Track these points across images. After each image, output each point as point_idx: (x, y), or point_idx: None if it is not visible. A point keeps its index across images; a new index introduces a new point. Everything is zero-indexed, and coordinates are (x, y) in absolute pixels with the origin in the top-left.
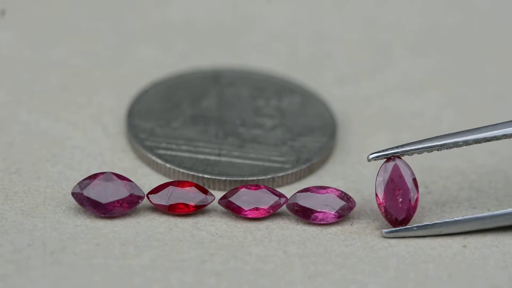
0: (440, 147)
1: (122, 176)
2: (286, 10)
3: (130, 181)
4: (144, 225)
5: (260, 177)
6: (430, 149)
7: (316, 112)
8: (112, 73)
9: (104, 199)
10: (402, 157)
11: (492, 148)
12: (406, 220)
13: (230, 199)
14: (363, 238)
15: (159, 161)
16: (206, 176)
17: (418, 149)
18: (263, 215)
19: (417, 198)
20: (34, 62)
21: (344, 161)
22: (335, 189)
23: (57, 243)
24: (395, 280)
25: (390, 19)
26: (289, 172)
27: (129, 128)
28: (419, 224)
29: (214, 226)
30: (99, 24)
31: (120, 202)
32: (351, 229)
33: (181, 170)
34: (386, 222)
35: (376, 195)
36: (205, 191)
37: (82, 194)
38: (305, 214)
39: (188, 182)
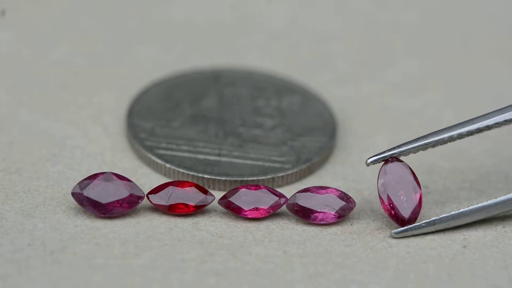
0: (435, 143)
1: (122, 176)
2: (286, 9)
3: (130, 181)
4: (144, 225)
5: (260, 177)
6: (425, 146)
7: (316, 112)
8: (112, 73)
9: (104, 199)
10: (400, 158)
11: (492, 148)
12: (413, 219)
13: (230, 199)
14: (363, 238)
15: (159, 161)
16: (206, 176)
17: (414, 148)
18: (263, 215)
19: (420, 195)
20: (34, 62)
21: (344, 161)
22: (335, 189)
23: (57, 243)
24: (395, 280)
25: (390, 18)
26: (289, 172)
27: (129, 128)
28: (427, 220)
29: (214, 226)
30: (99, 24)
31: (120, 202)
32: (351, 229)
33: (181, 170)
34: (387, 223)
35: (380, 198)
36: (205, 191)
37: (82, 194)
38: (305, 214)
39: (188, 182)
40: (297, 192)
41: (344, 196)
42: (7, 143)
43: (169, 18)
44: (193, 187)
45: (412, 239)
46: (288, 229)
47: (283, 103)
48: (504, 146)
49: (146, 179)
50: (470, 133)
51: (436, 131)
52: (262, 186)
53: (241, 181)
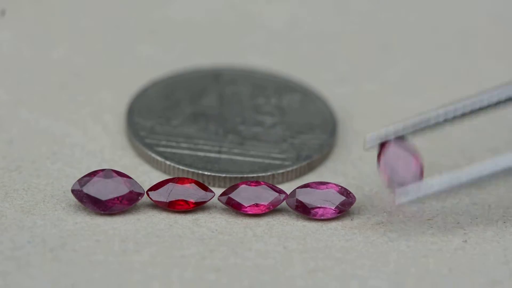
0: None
1: (122, 173)
2: (286, 8)
3: (130, 178)
4: (144, 222)
5: (260, 174)
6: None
7: (316, 109)
8: (112, 72)
9: (104, 196)
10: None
11: (492, 146)
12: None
13: (230, 195)
14: (363, 233)
15: (159, 158)
16: (206, 173)
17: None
18: (263, 211)
19: (421, 164)
20: (34, 61)
21: (344, 158)
22: (335, 184)
23: (57, 240)
24: (395, 275)
25: (390, 17)
26: (289, 169)
27: (129, 126)
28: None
29: (214, 223)
30: (99, 23)
31: (120, 199)
32: (351, 224)
33: (181, 167)
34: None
35: (381, 171)
36: (205, 188)
37: (82, 191)
38: (305, 210)
39: (188, 178)
40: (297, 188)
41: (344, 191)
42: (7, 141)
43: (169, 17)
44: (193, 184)
45: (412, 233)
46: (288, 225)
47: (283, 101)
48: (504, 144)
49: (146, 176)
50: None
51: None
52: (262, 182)
53: (241, 177)
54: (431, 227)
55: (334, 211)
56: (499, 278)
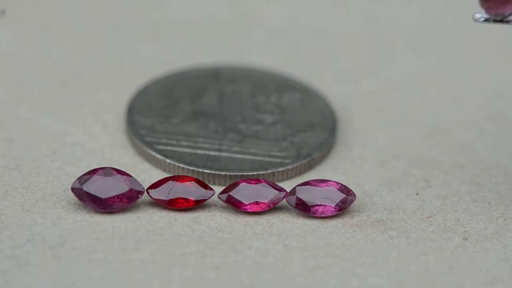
0: None
1: (122, 171)
2: (286, 7)
3: (130, 176)
4: (144, 220)
5: (260, 172)
6: None
7: (316, 108)
8: (112, 71)
9: (103, 194)
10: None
11: (492, 143)
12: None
13: (230, 193)
14: (363, 230)
15: (159, 156)
16: (206, 171)
17: None
18: (263, 209)
19: None
20: (34, 60)
21: (344, 156)
22: (335, 182)
23: (57, 239)
24: (396, 272)
25: (391, 16)
26: (289, 167)
27: (129, 124)
28: None
29: (214, 221)
30: (99, 22)
31: (120, 197)
32: (351, 222)
33: (181, 165)
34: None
35: None
36: (205, 186)
37: (81, 189)
38: (305, 208)
39: (188, 177)
40: (297, 186)
41: (344, 189)
42: (7, 140)
43: (169, 17)
44: (193, 182)
45: (413, 231)
46: (288, 222)
47: (283, 99)
48: (504, 141)
49: (146, 174)
50: None
51: None
52: (262, 180)
53: (241, 176)
54: (431, 225)
55: (334, 209)
56: (500, 275)
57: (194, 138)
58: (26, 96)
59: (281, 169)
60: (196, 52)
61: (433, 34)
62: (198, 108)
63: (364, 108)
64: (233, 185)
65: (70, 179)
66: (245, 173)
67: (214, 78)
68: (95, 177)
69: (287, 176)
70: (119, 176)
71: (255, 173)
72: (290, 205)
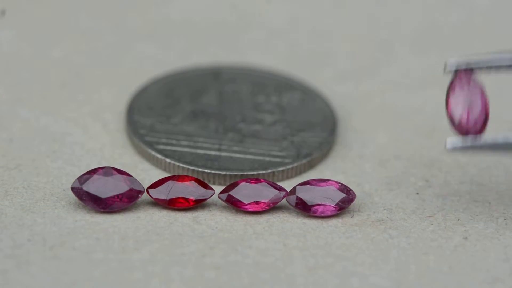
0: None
1: (122, 170)
2: (286, 7)
3: (130, 175)
4: (144, 220)
5: (260, 172)
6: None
7: (316, 108)
8: (112, 71)
9: (103, 194)
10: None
11: None
12: (479, 132)
13: (230, 193)
14: (363, 230)
15: (159, 156)
16: (206, 170)
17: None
18: (263, 209)
19: (488, 114)
20: (34, 60)
21: (344, 156)
22: (335, 181)
23: (56, 238)
24: (396, 272)
25: (390, 16)
26: (289, 166)
27: (129, 124)
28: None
29: (214, 220)
30: (99, 22)
31: (119, 196)
32: (351, 222)
33: (181, 165)
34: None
35: (448, 103)
36: (205, 185)
37: (81, 189)
38: (305, 207)
39: (188, 176)
40: (297, 185)
41: (344, 188)
42: (7, 139)
43: (169, 16)
44: (193, 181)
45: (413, 230)
46: (288, 222)
47: (283, 99)
48: None
49: (146, 174)
50: None
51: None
52: (262, 180)
53: (241, 175)
54: (432, 224)
55: (334, 208)
56: (500, 275)
57: (194, 137)
58: (26, 96)
59: (281, 168)
60: (196, 52)
61: (433, 34)
62: (198, 108)
63: (364, 108)
64: (233, 185)
65: (70, 179)
66: (245, 173)
67: (214, 77)
68: (95, 176)
69: (287, 175)
70: (119, 175)
71: (255, 172)
72: (290, 204)
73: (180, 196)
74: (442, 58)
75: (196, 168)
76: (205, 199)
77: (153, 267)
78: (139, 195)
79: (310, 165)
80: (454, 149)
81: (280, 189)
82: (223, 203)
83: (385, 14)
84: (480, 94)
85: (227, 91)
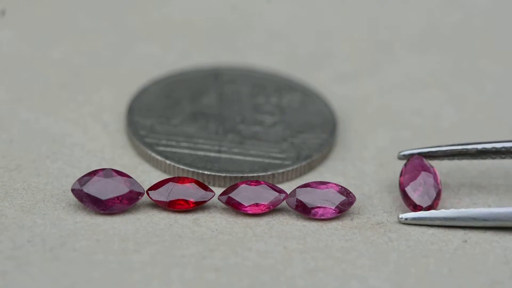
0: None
1: (122, 172)
2: (286, 8)
3: (130, 177)
4: (144, 221)
5: (260, 174)
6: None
7: (316, 109)
8: (112, 71)
9: (104, 196)
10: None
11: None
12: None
13: (230, 195)
14: (363, 233)
15: (159, 157)
16: (206, 172)
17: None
18: (263, 211)
19: (440, 191)
20: (34, 60)
21: (344, 157)
22: (335, 184)
23: (56, 240)
24: (395, 275)
25: (390, 17)
26: (289, 168)
27: (129, 125)
28: (438, 211)
29: (214, 222)
30: (99, 23)
31: (120, 198)
32: (351, 224)
33: (181, 166)
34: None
35: (401, 183)
36: (205, 187)
37: (82, 190)
38: (305, 210)
39: (188, 178)
40: (297, 188)
41: (344, 191)
42: (7, 140)
43: (169, 17)
44: (193, 183)
45: (413, 233)
46: (288, 224)
47: (283, 100)
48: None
49: (146, 176)
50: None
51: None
52: (262, 182)
53: (241, 177)
54: (431, 227)
55: (334, 211)
56: (499, 278)
57: (194, 139)
58: (26, 97)
59: (281, 170)
60: (196, 53)
61: (433, 35)
62: (198, 109)
63: (364, 109)
64: (233, 187)
65: (70, 180)
66: (245, 175)
67: (214, 78)
68: (95, 178)
69: (287, 177)
70: (119, 177)
71: (255, 174)
72: (290, 207)
73: (180, 198)
74: (442, 59)
75: (196, 170)
76: (205, 201)
77: (153, 269)
78: (139, 197)
79: (310, 167)
80: (407, 220)
81: (280, 191)
82: (223, 205)
83: (385, 15)
84: (432, 175)
85: (227, 92)
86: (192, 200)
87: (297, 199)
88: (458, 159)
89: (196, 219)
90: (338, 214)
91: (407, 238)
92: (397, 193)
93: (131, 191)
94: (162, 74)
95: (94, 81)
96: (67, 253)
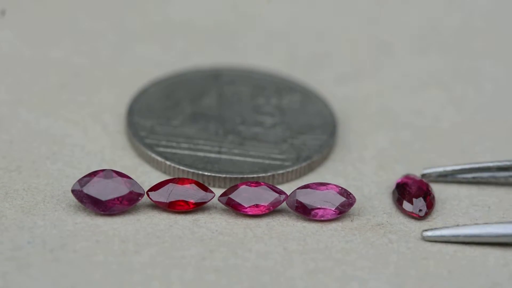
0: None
1: (122, 173)
2: (286, 9)
3: (130, 178)
4: (144, 222)
5: (260, 175)
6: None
7: (316, 110)
8: (112, 72)
9: (104, 197)
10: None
11: (492, 146)
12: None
13: (230, 196)
14: (363, 234)
15: (159, 158)
16: (206, 173)
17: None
18: (263, 212)
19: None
20: (34, 61)
21: (344, 158)
22: (335, 185)
23: (57, 241)
24: (395, 276)
25: (390, 18)
26: (289, 169)
27: (129, 126)
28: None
29: (214, 223)
30: (99, 23)
31: (120, 199)
32: (351, 226)
33: (181, 167)
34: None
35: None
36: (205, 188)
37: (82, 191)
38: (305, 211)
39: (188, 179)
40: (297, 189)
41: (344, 192)
42: (7, 141)
43: (169, 17)
44: (193, 184)
45: (412, 235)
46: (288, 225)
47: (283, 101)
48: (504, 144)
49: (146, 177)
50: None
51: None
52: (262, 183)
53: (241, 178)
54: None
55: (334, 212)
56: (499, 280)
57: (194, 140)
58: (26, 97)
59: (281, 171)
60: (196, 54)
61: (433, 36)
62: (198, 110)
63: (364, 110)
64: (233, 188)
65: (70, 181)
66: (245, 176)
67: (214, 79)
68: (95, 179)
69: (287, 178)
70: (119, 178)
71: (255, 175)
72: (290, 208)
73: (180, 199)
74: (442, 60)
75: (196, 171)
76: (205, 202)
77: (153, 270)
78: (139, 198)
79: (310, 168)
80: (430, 238)
81: (280, 192)
82: (223, 206)
83: (385, 15)
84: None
85: (227, 93)
86: (192, 201)
87: (297, 200)
88: (478, 173)
89: (196, 220)
90: (338, 215)
91: (407, 240)
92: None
93: (131, 192)
94: (162, 75)
95: (94, 81)
96: (67, 254)
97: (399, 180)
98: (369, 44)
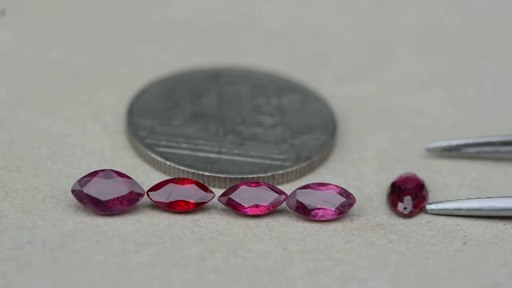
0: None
1: (122, 173)
2: (286, 9)
3: (130, 178)
4: (144, 222)
5: (260, 175)
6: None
7: (316, 110)
8: (112, 72)
9: (104, 197)
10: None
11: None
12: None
13: (230, 196)
14: (363, 234)
15: (159, 158)
16: (206, 173)
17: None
18: (263, 212)
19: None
20: (34, 61)
21: (344, 159)
22: (335, 185)
23: (57, 241)
24: (395, 276)
25: (390, 18)
26: (289, 169)
27: (129, 126)
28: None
29: (214, 223)
30: (99, 23)
31: (120, 199)
32: (351, 226)
33: (181, 167)
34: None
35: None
36: (205, 189)
37: (82, 191)
38: (305, 211)
39: (188, 179)
40: (297, 189)
41: (344, 193)
42: (7, 141)
43: (169, 17)
44: (193, 184)
45: (412, 235)
46: (288, 226)
47: (283, 101)
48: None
49: (146, 177)
50: None
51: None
52: (262, 183)
53: (241, 178)
54: (431, 229)
55: (334, 212)
56: (499, 280)
57: (194, 140)
58: (26, 97)
59: (281, 171)
60: (196, 54)
61: (433, 35)
62: (198, 110)
63: (364, 110)
64: (233, 188)
65: (70, 181)
66: (245, 176)
67: (214, 79)
68: (96, 179)
69: (287, 178)
70: (119, 178)
71: (255, 175)
72: (290, 208)
73: (180, 199)
74: (442, 60)
75: (196, 171)
76: (205, 202)
77: (153, 270)
78: (139, 198)
79: (310, 168)
80: (433, 211)
81: (280, 192)
82: (223, 206)
83: (385, 15)
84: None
85: (227, 93)
86: (192, 201)
87: (297, 200)
88: (482, 147)
89: (196, 220)
90: (338, 216)
91: (407, 240)
92: None
93: (131, 192)
94: (162, 75)
95: (94, 81)
96: (67, 254)
97: (395, 179)
98: (369, 44)
